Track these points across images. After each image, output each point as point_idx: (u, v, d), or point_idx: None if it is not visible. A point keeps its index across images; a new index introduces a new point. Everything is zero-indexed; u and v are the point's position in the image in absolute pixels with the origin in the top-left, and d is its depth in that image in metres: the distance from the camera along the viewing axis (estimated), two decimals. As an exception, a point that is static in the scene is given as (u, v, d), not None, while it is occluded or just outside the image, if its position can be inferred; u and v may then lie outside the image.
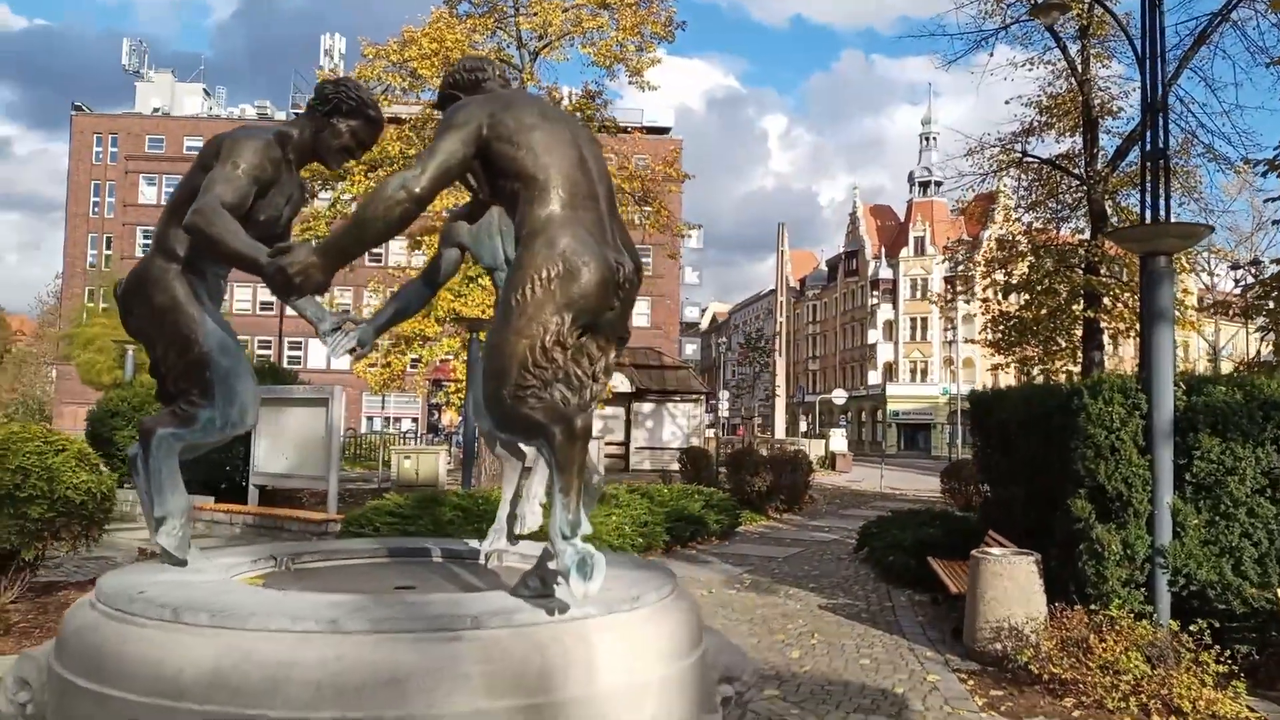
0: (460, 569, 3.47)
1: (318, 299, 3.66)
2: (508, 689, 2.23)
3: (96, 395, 20.74)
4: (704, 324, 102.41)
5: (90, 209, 57.68)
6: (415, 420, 50.36)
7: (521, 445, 3.89)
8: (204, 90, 65.42)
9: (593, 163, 2.99)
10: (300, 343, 53.14)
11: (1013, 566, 6.48)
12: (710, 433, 32.10)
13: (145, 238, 57.02)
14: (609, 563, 2.62)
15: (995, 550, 6.85)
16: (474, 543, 3.79)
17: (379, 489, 17.30)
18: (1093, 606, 6.05)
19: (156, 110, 60.95)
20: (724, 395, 47.38)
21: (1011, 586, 6.44)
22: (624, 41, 18.67)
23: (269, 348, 53.64)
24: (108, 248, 57.05)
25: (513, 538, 3.68)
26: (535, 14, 18.46)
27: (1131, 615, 5.93)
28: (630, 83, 19.44)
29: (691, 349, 68.60)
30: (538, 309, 2.65)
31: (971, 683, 6.09)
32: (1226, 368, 30.32)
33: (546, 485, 2.82)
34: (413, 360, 17.86)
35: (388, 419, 51.92)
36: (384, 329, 3.93)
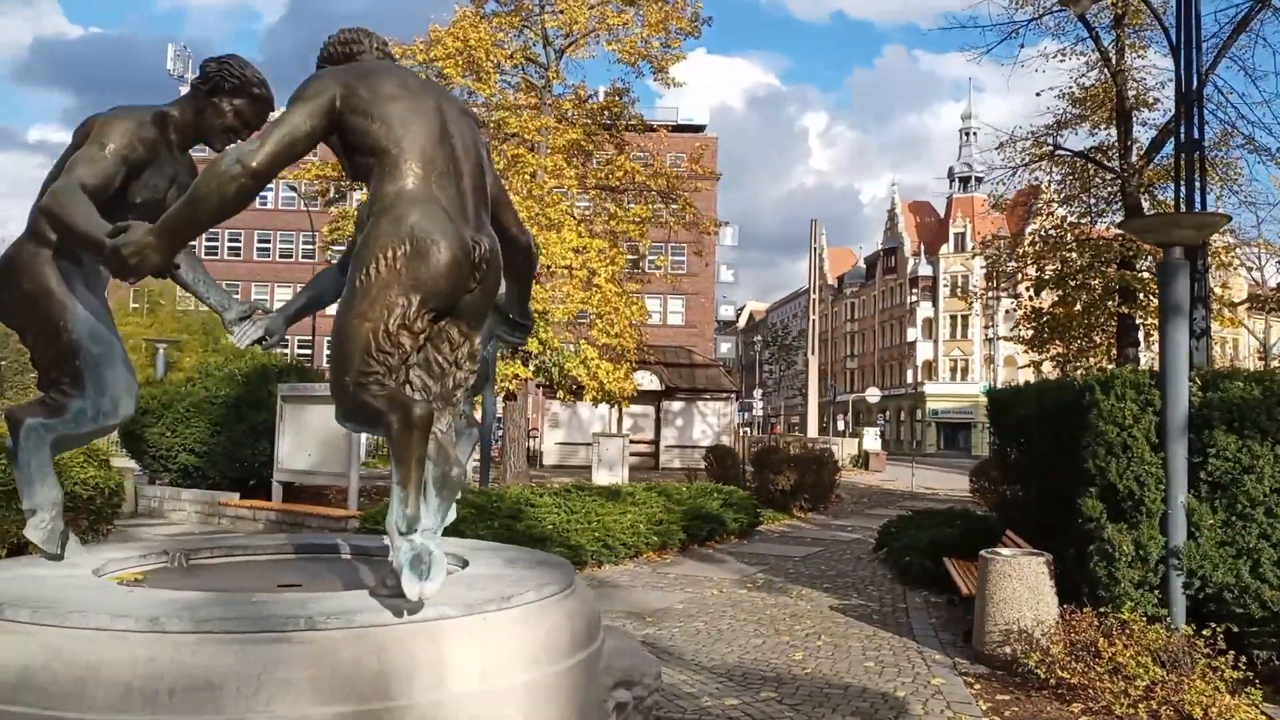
0: (362, 566, 3.31)
1: (220, 286, 3.60)
2: (338, 694, 2.10)
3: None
4: (741, 323, 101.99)
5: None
6: (451, 419, 50.58)
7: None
8: (247, 94, 66.40)
9: (458, 138, 2.82)
10: (310, 341, 53.86)
11: (1022, 567, 6.29)
12: (744, 431, 31.88)
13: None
14: (511, 559, 2.54)
15: (1005, 550, 6.67)
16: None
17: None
18: (1104, 609, 5.85)
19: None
20: (758, 394, 47.03)
21: (1020, 588, 6.26)
22: (649, 38, 18.58)
23: (309, 346, 54.36)
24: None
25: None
26: (561, 11, 18.45)
27: (1144, 618, 5.72)
28: (655, 80, 19.34)
29: (727, 347, 68.20)
30: (382, 290, 2.51)
31: (978, 687, 5.92)
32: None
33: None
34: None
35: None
36: (296, 319, 3.76)
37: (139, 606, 2.20)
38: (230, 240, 57.74)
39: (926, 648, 6.86)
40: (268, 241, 56.83)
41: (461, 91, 18.40)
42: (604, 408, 21.42)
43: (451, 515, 3.59)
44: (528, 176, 17.42)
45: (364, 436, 30.02)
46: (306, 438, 13.24)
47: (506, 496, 10.52)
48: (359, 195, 18.70)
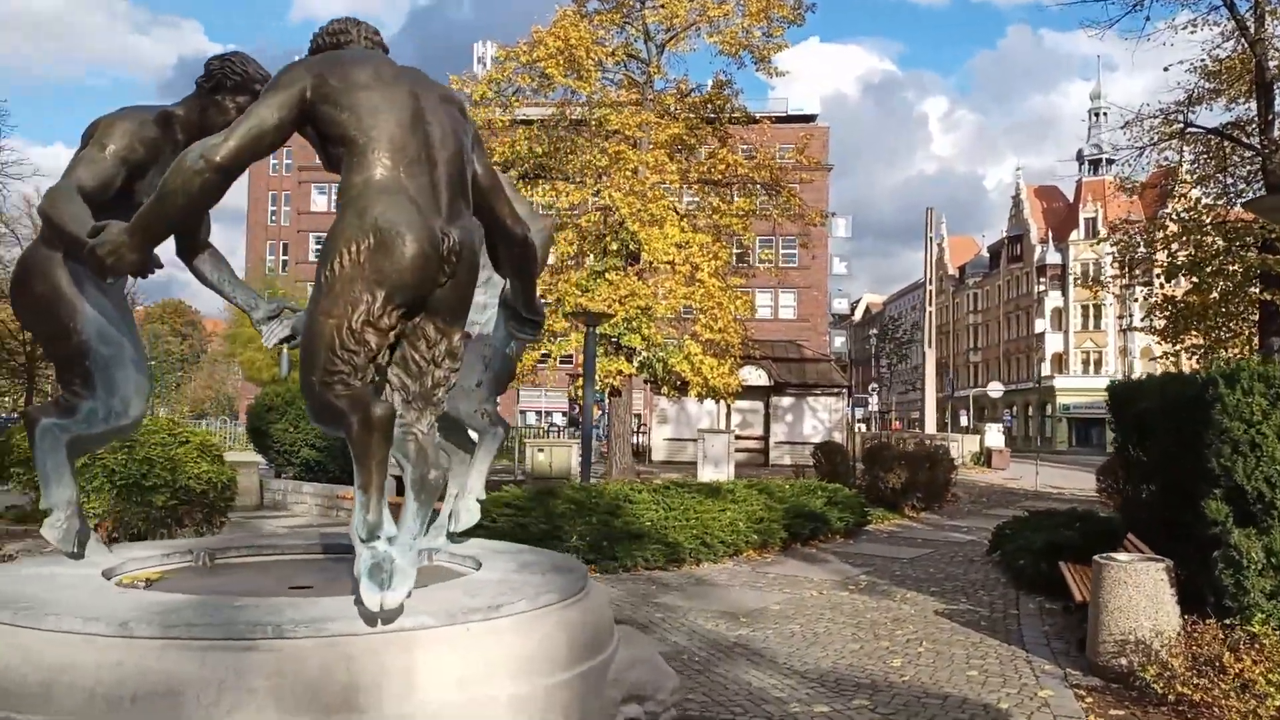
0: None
1: (248, 287, 3.64)
2: (303, 704, 2.05)
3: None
4: (857, 316, 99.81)
5: (268, 218, 62.06)
6: (565, 414, 51.35)
7: (472, 435, 3.78)
8: (368, 102, 69.09)
9: (435, 125, 2.72)
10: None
11: (1139, 574, 5.86)
12: (860, 427, 31.15)
13: (316, 243, 60.79)
14: (526, 563, 2.44)
15: (1121, 556, 6.23)
16: (420, 540, 3.61)
17: (515, 481, 17.70)
18: (1231, 620, 5.39)
19: (326, 125, 64.82)
20: (873, 389, 45.88)
21: (1138, 596, 5.83)
22: (750, 28, 18.31)
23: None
24: (284, 253, 61.18)
25: (451, 535, 3.56)
26: (662, 5, 18.38)
27: (1276, 632, 5.24)
28: (758, 70, 19.05)
29: (841, 341, 66.81)
30: (345, 286, 2.43)
31: (1089, 700, 5.55)
32: None
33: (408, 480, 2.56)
34: (542, 355, 18.15)
35: (539, 412, 53.30)
36: None
37: (115, 610, 2.17)
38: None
39: (1036, 657, 6.48)
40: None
41: (563, 91, 18.58)
42: (712, 403, 21.25)
43: (473, 518, 3.54)
44: (629, 173, 17.43)
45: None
46: (416, 434, 13.62)
47: (605, 493, 10.53)
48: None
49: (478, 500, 3.53)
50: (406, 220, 2.43)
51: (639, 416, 37.14)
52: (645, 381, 19.26)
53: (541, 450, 18.62)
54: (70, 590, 2.42)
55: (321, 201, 61.10)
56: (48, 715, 1.98)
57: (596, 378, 16.95)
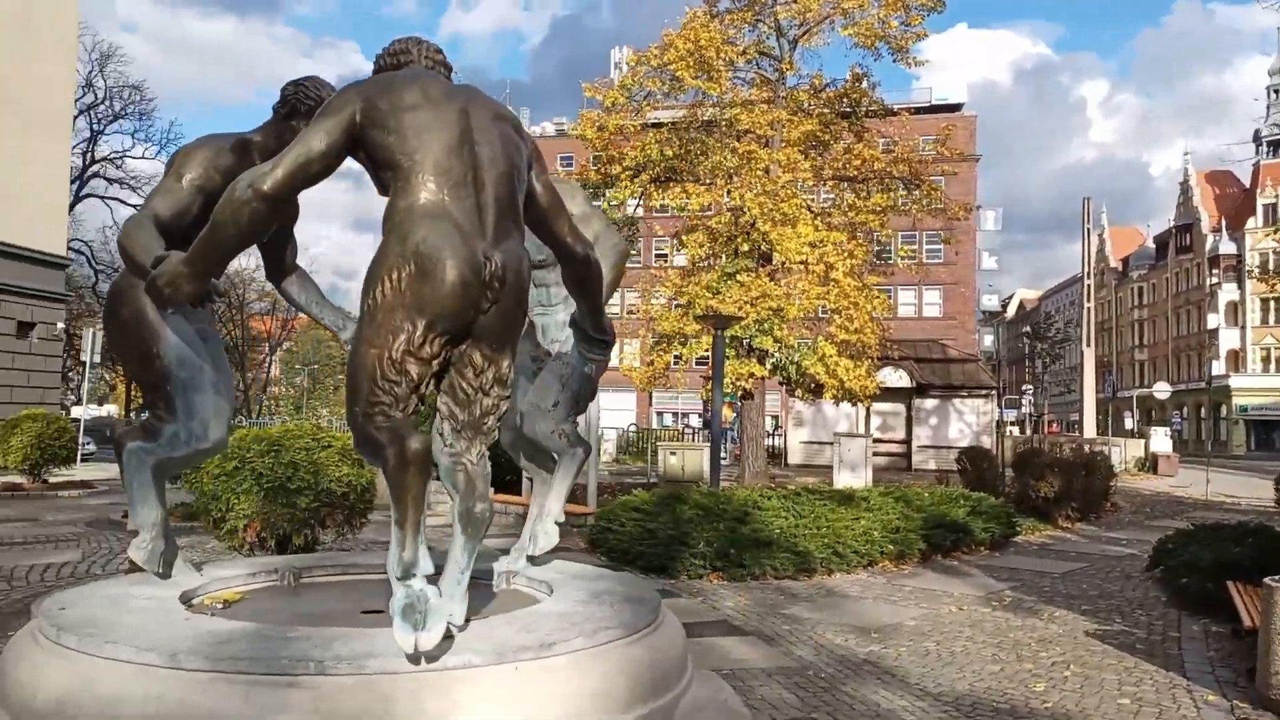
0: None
1: (337, 307, 3.65)
2: None
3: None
4: (1010, 312, 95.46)
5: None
6: (700, 416, 51.35)
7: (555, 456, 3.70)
8: (510, 112, 71.17)
9: (485, 145, 2.62)
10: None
11: (1320, 601, 5.27)
12: (1012, 431, 29.72)
13: (462, 251, 63.03)
14: (598, 592, 2.31)
15: (1299, 579, 5.62)
16: (501, 561, 3.46)
17: (647, 484, 17.75)
18: None
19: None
20: (1027, 390, 43.67)
21: (1319, 625, 5.25)
22: (886, 18, 17.72)
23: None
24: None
25: (532, 559, 3.48)
26: (794, 1, 18.04)
27: None
28: (896, 61, 18.42)
29: (991, 340, 63.91)
30: (387, 315, 2.38)
31: (1260, 739, 5.04)
32: None
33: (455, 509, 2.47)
34: (675, 358, 18.13)
35: (675, 414, 53.46)
36: None
37: (171, 639, 2.17)
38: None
39: (1199, 686, 5.94)
40: (530, 249, 60.41)
41: (694, 93, 18.49)
42: (850, 405, 20.72)
43: (550, 540, 3.46)
44: (760, 172, 17.18)
45: (601, 435, 30.82)
46: (549, 437, 13.86)
47: (734, 499, 10.38)
48: (599, 203, 19.31)
49: (556, 523, 3.47)
50: (448, 245, 2.38)
51: (775, 419, 36.64)
52: (780, 383, 18.95)
53: (674, 453, 18.60)
54: (137, 615, 2.44)
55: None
56: None
57: (728, 380, 16.81)
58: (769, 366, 17.65)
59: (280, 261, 3.57)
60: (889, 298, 19.90)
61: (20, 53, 21.31)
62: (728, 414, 29.30)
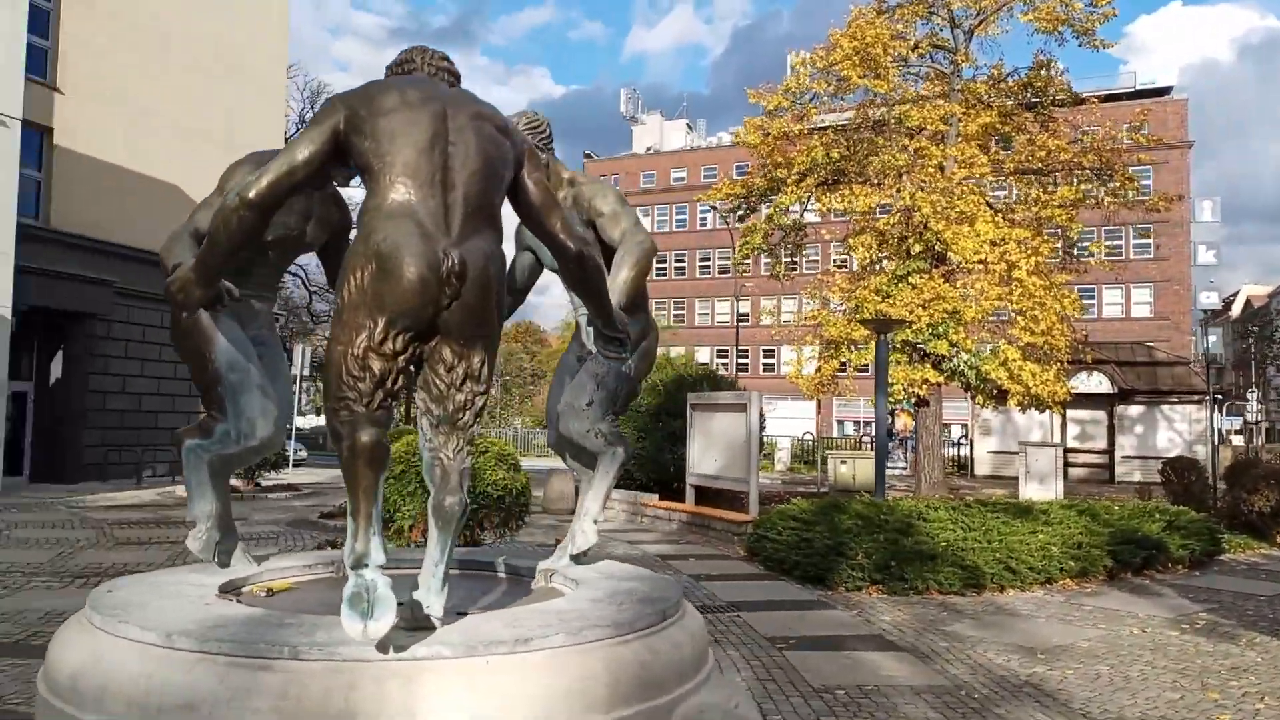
0: (496, 587, 3.20)
1: None
2: None
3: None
4: (1234, 311, 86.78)
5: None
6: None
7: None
8: (686, 125, 71.83)
9: (460, 145, 2.64)
10: (746, 350, 55.87)
11: None
12: (1236, 440, 27.04)
13: (641, 263, 64.13)
14: (613, 591, 2.24)
15: None
16: (546, 560, 3.49)
17: (817, 493, 17.39)
18: None
19: (648, 149, 68.34)
20: (1253, 395, 39.57)
21: None
22: (1069, 0, 16.61)
23: (745, 356, 57.01)
24: (612, 274, 65.27)
25: (575, 557, 3.41)
26: (968, -11, 17.29)
27: None
28: (1080, 45, 17.22)
29: (1214, 340, 58.21)
30: (352, 313, 2.45)
31: None
32: None
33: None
34: (841, 364, 17.66)
35: (856, 423, 52.08)
36: None
37: (177, 622, 2.27)
38: (676, 261, 62.67)
39: None
40: (708, 260, 60.72)
41: (861, 93, 18.02)
42: (1040, 413, 19.47)
43: (588, 540, 3.41)
44: (933, 170, 16.49)
45: (775, 444, 30.32)
46: (712, 443, 13.85)
47: (897, 509, 9.99)
48: (766, 209, 19.15)
49: (594, 522, 3.45)
50: (406, 244, 2.43)
51: (965, 427, 34.98)
52: (964, 388, 18.08)
53: (844, 462, 18.13)
54: (166, 600, 2.56)
55: (645, 224, 64.11)
56: (98, 716, 2.13)
57: (899, 386, 16.22)
58: (945, 372, 16.88)
59: (336, 270, 3.70)
60: (1081, 297, 18.53)
61: (236, 95, 23.68)
62: (908, 422, 28.21)
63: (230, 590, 2.89)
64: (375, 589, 2.19)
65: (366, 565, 2.25)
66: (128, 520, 13.77)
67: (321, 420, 62.91)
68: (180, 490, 18.45)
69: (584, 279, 2.96)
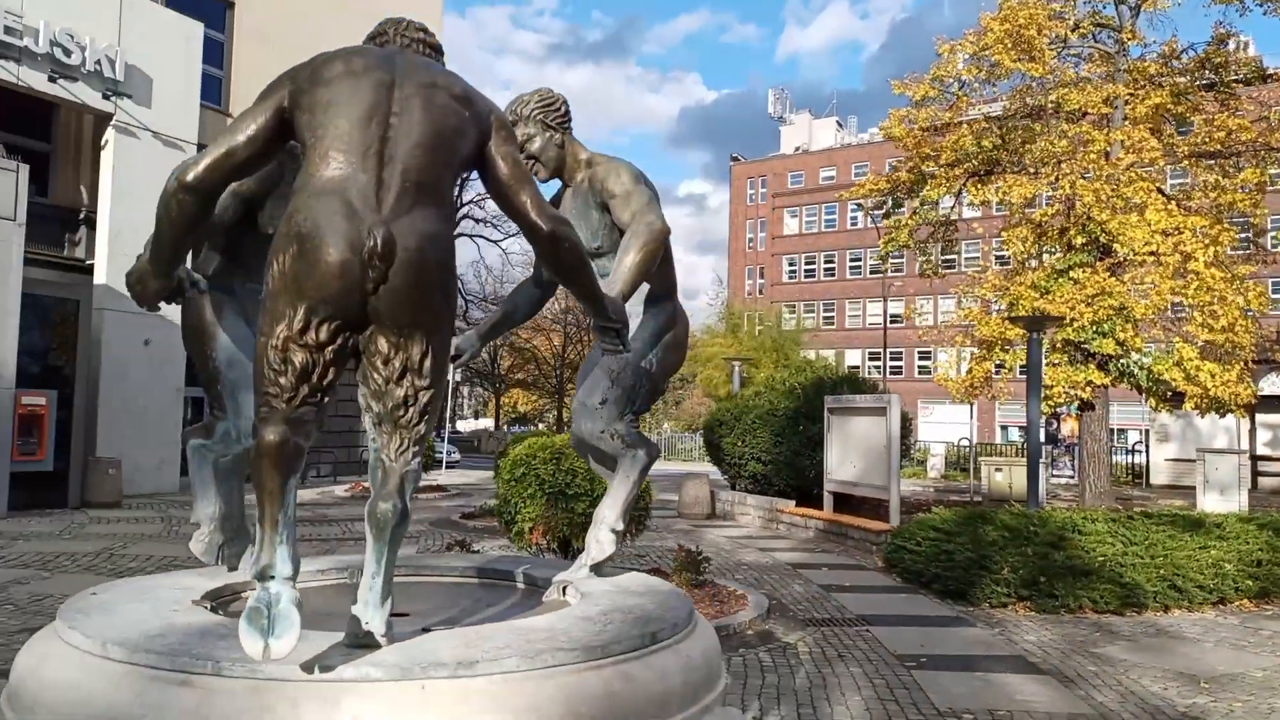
0: (503, 599, 2.99)
1: None
2: None
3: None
4: None
5: (745, 244, 66.06)
6: (1045, 430, 46.96)
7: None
8: (836, 123, 70.36)
9: (403, 116, 2.40)
10: (900, 352, 53.85)
11: None
12: None
13: (790, 265, 63.23)
14: (607, 610, 1.98)
15: None
16: (564, 572, 3.21)
17: (970, 502, 16.50)
18: None
19: (797, 149, 67.35)
20: None
21: None
22: (1252, -37, 15.12)
23: (899, 358, 55.13)
24: (760, 277, 64.59)
25: (594, 568, 3.13)
26: (1135, -38, 16.04)
27: None
28: (1266, 14, 15.64)
29: None
30: (274, 301, 2.22)
31: None
32: None
33: None
34: (995, 366, 16.67)
35: (1022, 428, 49.36)
36: (489, 336, 3.57)
37: (118, 630, 2.15)
38: (825, 261, 61.40)
39: None
40: (859, 260, 59.16)
41: (1017, 78, 17.00)
42: (1220, 417, 17.77)
43: (603, 550, 3.12)
44: (1096, 156, 15.34)
45: (928, 450, 29.07)
46: (851, 449, 13.34)
47: (1049, 521, 9.27)
48: (912, 204, 18.37)
49: (612, 531, 3.19)
50: (328, 223, 2.20)
51: (1143, 433, 32.50)
52: (1137, 390, 16.72)
53: (999, 470, 17.09)
54: (136, 604, 2.46)
55: (793, 224, 63.53)
56: None
57: (1058, 389, 15.18)
58: (1112, 373, 15.66)
59: None
60: (1270, 290, 16.82)
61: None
62: (1075, 427, 26.41)
63: (222, 596, 2.74)
64: (278, 603, 2.00)
65: (273, 577, 2.05)
66: (287, 517, 14.56)
67: (479, 424, 65.34)
68: (339, 489, 19.47)
69: (558, 261, 2.66)
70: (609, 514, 3.23)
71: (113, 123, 16.61)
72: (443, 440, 26.11)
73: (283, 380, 2.23)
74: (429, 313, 2.31)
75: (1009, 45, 15.94)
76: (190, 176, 2.40)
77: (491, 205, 49.76)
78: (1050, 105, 16.33)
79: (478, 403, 68.06)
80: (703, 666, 2.36)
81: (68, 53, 15.45)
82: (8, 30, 14.46)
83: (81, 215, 17.61)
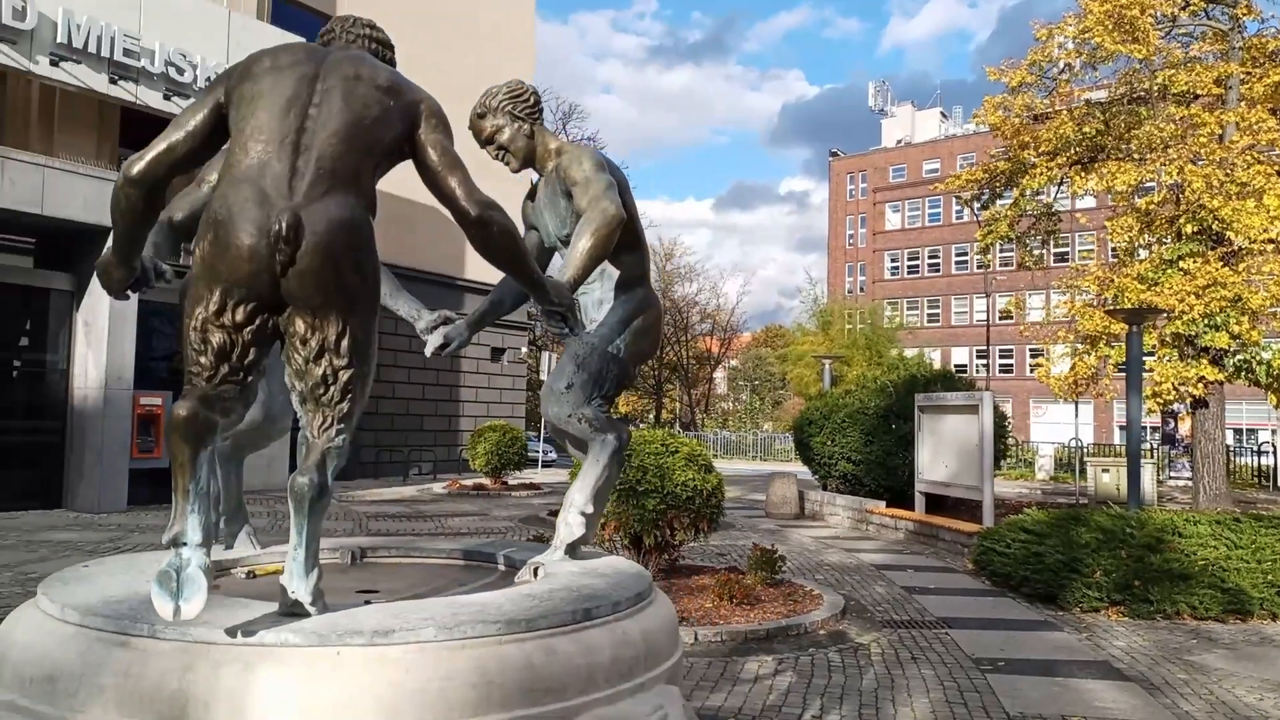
0: (475, 579, 3.04)
1: (411, 297, 3.52)
2: (136, 710, 1.98)
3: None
4: None
5: (846, 241, 64.88)
6: (1155, 429, 44.55)
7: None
8: (940, 114, 68.41)
9: (322, 107, 2.48)
10: (1010, 349, 51.93)
11: None
12: None
13: (892, 261, 61.84)
14: (562, 587, 1.97)
15: None
16: (539, 555, 3.24)
17: (1075, 504, 15.83)
18: None
19: (899, 142, 65.76)
20: None
21: None
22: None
23: (1008, 355, 53.30)
24: (861, 274, 63.38)
25: (570, 551, 3.08)
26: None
27: None
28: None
29: None
30: (194, 285, 2.36)
31: None
32: None
33: None
34: (1100, 361, 15.93)
35: (1145, 427, 46.97)
36: (479, 325, 3.54)
37: (79, 595, 2.28)
38: (930, 257, 59.82)
39: None
40: (964, 254, 57.40)
41: (1121, 61, 16.20)
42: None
43: (570, 532, 3.07)
44: (1206, 139, 14.51)
45: (1036, 450, 28.02)
46: (943, 448, 12.98)
47: (1147, 523, 8.82)
48: (1012, 195, 17.72)
49: (581, 514, 3.16)
50: (240, 209, 2.32)
51: (1273, 432, 30.58)
52: (1261, 387, 15.74)
53: (1106, 471, 16.32)
54: (118, 576, 2.58)
55: (895, 219, 62.12)
56: (3, 688, 2.17)
57: (1166, 385, 14.43)
58: (1227, 369, 14.79)
59: None
60: None
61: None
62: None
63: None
64: (187, 567, 2.12)
65: (184, 544, 2.18)
66: (384, 513, 15.09)
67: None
68: (437, 486, 20.05)
69: (488, 246, 2.70)
70: (578, 497, 3.24)
71: (222, 136, 17.51)
72: (536, 439, 26.54)
73: (203, 359, 2.35)
74: (342, 294, 2.38)
75: (1110, 27, 15.22)
76: (134, 171, 2.51)
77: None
78: (1156, 89, 15.52)
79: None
80: (640, 644, 2.39)
81: (180, 71, 16.33)
82: (127, 52, 15.38)
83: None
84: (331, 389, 2.40)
